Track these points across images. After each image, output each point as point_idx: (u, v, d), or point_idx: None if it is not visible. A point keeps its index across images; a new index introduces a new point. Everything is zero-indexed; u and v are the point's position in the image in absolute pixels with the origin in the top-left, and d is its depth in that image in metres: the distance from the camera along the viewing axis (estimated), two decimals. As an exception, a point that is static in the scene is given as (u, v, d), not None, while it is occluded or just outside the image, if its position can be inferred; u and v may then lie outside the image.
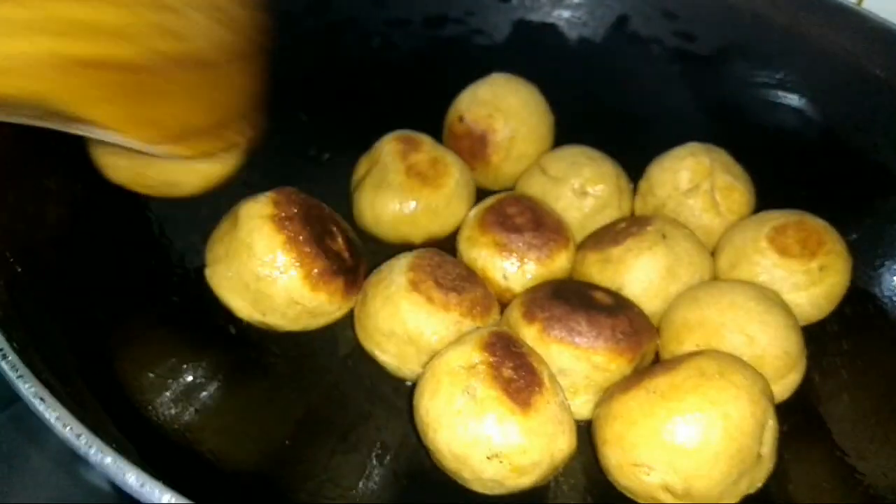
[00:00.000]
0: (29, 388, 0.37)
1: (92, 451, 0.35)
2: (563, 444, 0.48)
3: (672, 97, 0.77)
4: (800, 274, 0.58)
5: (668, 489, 0.46)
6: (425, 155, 0.65)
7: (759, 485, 0.49)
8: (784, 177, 0.67)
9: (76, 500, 0.56)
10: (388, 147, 0.65)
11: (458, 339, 0.51)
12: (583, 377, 0.53)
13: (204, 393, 0.53)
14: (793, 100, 0.72)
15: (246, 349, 0.57)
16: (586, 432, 0.52)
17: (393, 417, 0.55)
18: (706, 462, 0.45)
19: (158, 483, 0.34)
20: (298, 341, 0.58)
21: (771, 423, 0.48)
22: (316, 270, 0.54)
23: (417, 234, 0.64)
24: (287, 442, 0.52)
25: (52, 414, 0.36)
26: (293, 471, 0.51)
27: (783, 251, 0.58)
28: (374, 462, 0.53)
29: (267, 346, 0.57)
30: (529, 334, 0.53)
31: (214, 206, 0.58)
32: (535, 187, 0.66)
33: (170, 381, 0.52)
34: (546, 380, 0.49)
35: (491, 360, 0.48)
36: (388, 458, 0.53)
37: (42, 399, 0.37)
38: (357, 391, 0.57)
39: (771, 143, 0.69)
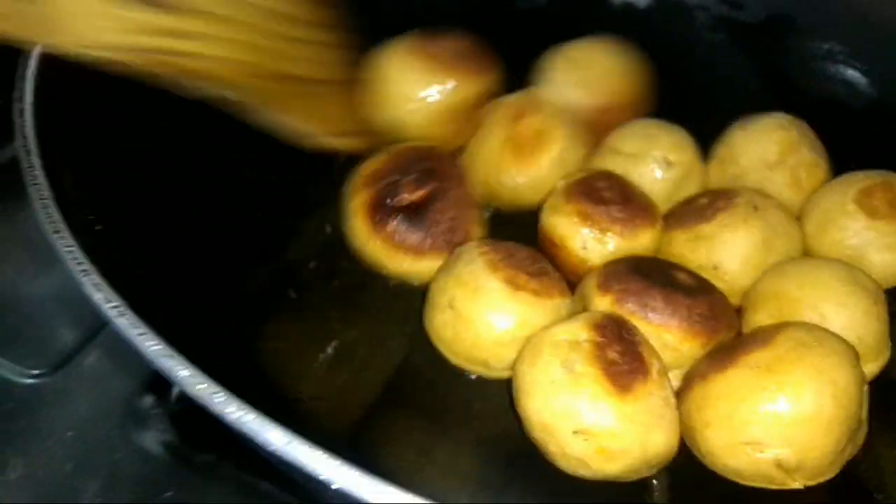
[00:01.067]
0: (152, 347, 0.36)
1: (231, 409, 0.34)
2: (659, 438, 0.46)
3: (717, 67, 0.76)
4: (891, 234, 0.56)
5: (780, 465, 0.45)
6: (536, 122, 0.64)
7: (856, 452, 0.48)
8: (835, 149, 0.65)
9: (128, 464, 0.56)
10: (507, 105, 0.66)
11: (571, 317, 0.50)
12: None
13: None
14: (843, 70, 0.70)
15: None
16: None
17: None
18: (820, 431, 0.44)
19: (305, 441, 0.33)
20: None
21: (866, 388, 0.47)
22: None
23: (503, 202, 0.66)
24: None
25: (182, 371, 0.35)
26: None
27: (872, 213, 0.57)
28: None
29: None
30: (602, 305, 0.52)
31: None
32: (612, 168, 0.63)
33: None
34: (654, 371, 0.47)
35: (598, 339, 0.47)
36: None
37: (170, 356, 0.36)
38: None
39: (820, 114, 0.67)
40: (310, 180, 0.63)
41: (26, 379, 0.60)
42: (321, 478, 0.31)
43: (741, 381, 0.45)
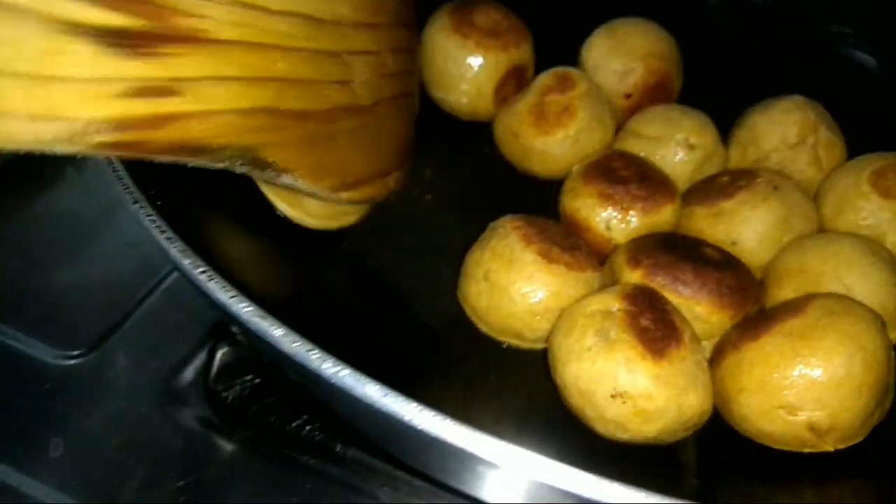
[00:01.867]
0: (246, 309, 0.37)
1: (327, 365, 0.35)
2: (693, 399, 0.48)
3: (730, 49, 0.78)
4: (907, 215, 0.58)
5: (813, 428, 0.47)
6: (564, 99, 0.67)
7: (884, 416, 0.50)
8: (848, 132, 0.67)
9: (169, 442, 0.57)
10: (542, 78, 0.69)
11: (603, 289, 0.52)
12: None
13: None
14: (853, 53, 0.73)
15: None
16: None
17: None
18: (851, 394, 0.46)
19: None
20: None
21: (892, 354, 0.49)
22: None
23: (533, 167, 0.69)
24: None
25: (278, 331, 0.36)
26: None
27: (886, 193, 0.59)
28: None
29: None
30: (632, 279, 0.54)
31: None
32: (634, 151, 0.66)
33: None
34: (686, 338, 0.49)
35: (630, 309, 0.49)
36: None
37: (262, 317, 0.37)
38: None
39: (833, 96, 0.69)
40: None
41: (63, 360, 0.61)
42: (421, 428, 0.33)
43: (774, 348, 0.47)
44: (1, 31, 0.28)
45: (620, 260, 0.56)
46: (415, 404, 0.33)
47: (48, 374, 0.60)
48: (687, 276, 0.53)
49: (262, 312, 0.37)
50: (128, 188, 0.43)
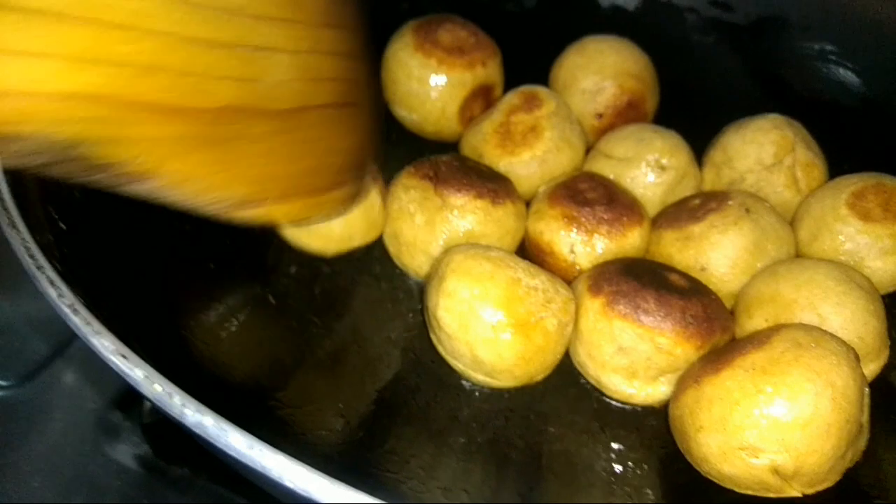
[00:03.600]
0: (107, 346, 0.35)
1: (188, 411, 0.32)
2: None
3: (708, 69, 0.76)
4: (886, 238, 0.56)
5: (777, 471, 0.44)
6: (530, 118, 0.65)
7: (857, 459, 0.47)
8: (828, 150, 0.65)
9: (100, 478, 0.55)
10: (509, 97, 0.67)
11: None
12: (644, 358, 0.51)
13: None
14: (835, 71, 0.71)
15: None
16: (661, 418, 0.51)
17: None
18: (819, 436, 0.43)
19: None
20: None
21: (866, 391, 0.46)
22: None
23: None
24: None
25: (138, 373, 0.34)
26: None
27: (865, 216, 0.56)
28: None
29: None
30: (593, 307, 0.52)
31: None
32: (603, 173, 0.63)
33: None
34: None
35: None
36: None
37: (124, 356, 0.34)
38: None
39: (814, 115, 0.67)
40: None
41: (-6, 390, 0.59)
42: (286, 483, 0.30)
43: (735, 383, 0.45)
44: None
45: (582, 287, 0.54)
46: (282, 457, 0.30)
47: (-22, 403, 0.58)
48: (649, 304, 0.50)
49: (125, 350, 0.34)
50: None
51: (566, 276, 0.58)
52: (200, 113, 0.35)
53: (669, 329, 0.50)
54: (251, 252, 0.59)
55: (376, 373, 0.54)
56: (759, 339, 0.47)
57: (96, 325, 0.36)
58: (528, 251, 0.61)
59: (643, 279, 0.52)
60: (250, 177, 0.39)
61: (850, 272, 0.53)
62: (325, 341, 0.55)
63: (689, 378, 0.48)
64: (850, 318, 0.50)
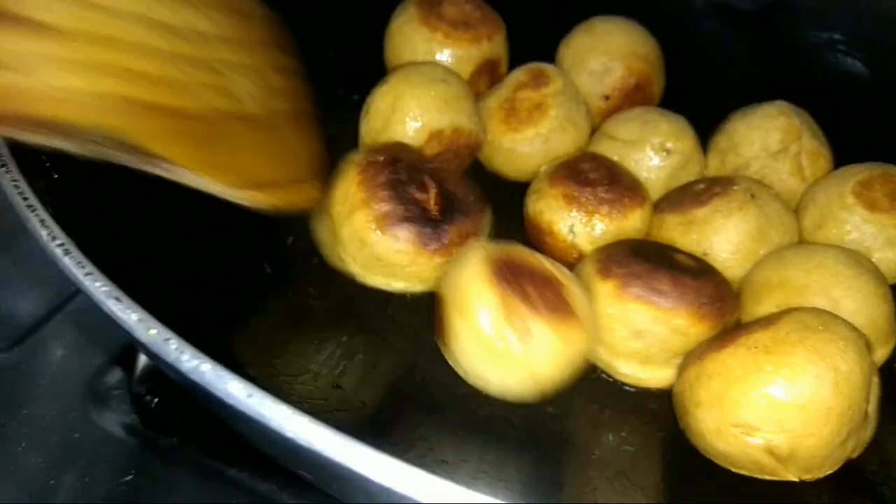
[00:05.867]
0: (100, 287, 0.35)
1: (185, 356, 0.32)
2: None
3: (714, 56, 0.76)
4: (892, 228, 0.57)
5: (771, 452, 0.45)
6: (536, 96, 0.65)
7: (861, 450, 0.48)
8: (834, 139, 0.66)
9: (87, 446, 0.55)
10: (516, 74, 0.68)
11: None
12: (659, 341, 0.51)
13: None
14: (842, 60, 0.72)
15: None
16: (663, 401, 0.51)
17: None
18: (816, 419, 0.43)
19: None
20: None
21: (875, 380, 0.47)
22: (383, 211, 0.53)
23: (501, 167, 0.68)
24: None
25: (133, 316, 0.34)
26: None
27: (872, 206, 0.58)
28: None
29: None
30: (603, 291, 0.52)
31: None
32: (608, 155, 0.64)
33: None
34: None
35: None
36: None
37: (118, 299, 0.34)
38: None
39: (820, 103, 0.67)
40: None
41: (-20, 353, 0.59)
42: (287, 434, 0.29)
43: (736, 360, 0.46)
44: None
45: (589, 270, 0.54)
46: (284, 407, 0.30)
47: (-36, 367, 0.58)
48: (664, 285, 0.51)
49: (118, 293, 0.34)
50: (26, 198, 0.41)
51: (565, 258, 0.58)
52: (203, 115, 0.43)
53: (685, 310, 0.50)
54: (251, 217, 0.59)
55: (374, 348, 0.54)
56: (767, 320, 0.48)
57: (89, 266, 0.36)
58: (528, 231, 0.62)
59: (653, 260, 0.53)
60: (246, 166, 0.47)
61: (858, 257, 0.54)
62: (322, 312, 0.55)
63: (693, 355, 0.49)
64: (862, 302, 0.51)
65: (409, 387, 0.52)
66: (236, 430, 0.42)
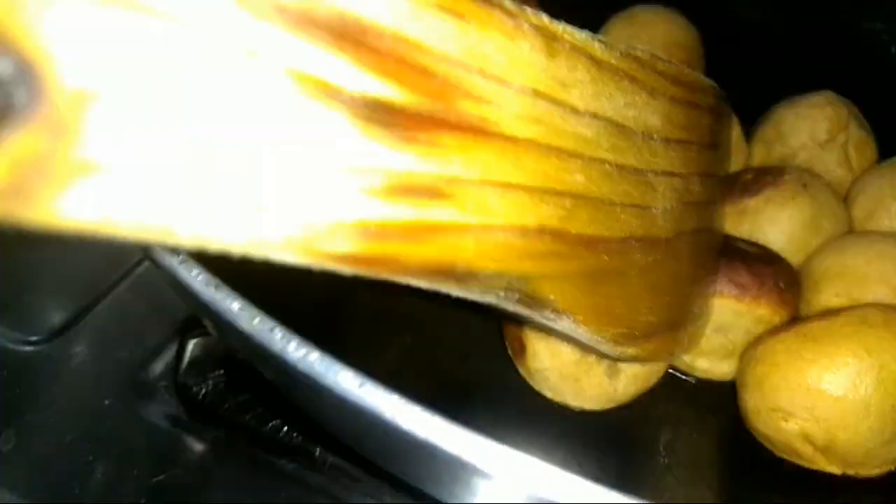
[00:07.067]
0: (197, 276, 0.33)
1: (291, 346, 0.30)
2: None
3: (755, 45, 0.75)
4: (947, 220, 0.57)
5: (807, 439, 0.46)
6: None
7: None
8: (879, 131, 0.66)
9: (132, 438, 0.55)
10: None
11: None
12: (743, 333, 0.52)
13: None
14: (886, 50, 0.70)
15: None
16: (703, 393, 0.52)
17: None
18: (853, 412, 0.44)
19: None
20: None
21: None
22: None
23: None
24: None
25: (231, 304, 0.32)
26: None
27: (923, 195, 0.58)
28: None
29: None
30: None
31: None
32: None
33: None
34: None
35: None
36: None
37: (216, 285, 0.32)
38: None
39: (863, 94, 0.67)
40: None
41: (22, 346, 0.59)
42: (401, 426, 0.28)
43: (783, 345, 0.47)
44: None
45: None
46: (396, 397, 0.28)
47: (4, 359, 0.58)
48: (743, 277, 0.51)
49: (217, 281, 0.33)
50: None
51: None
52: (613, 245, 0.33)
53: (767, 299, 0.50)
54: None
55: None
56: (832, 311, 0.48)
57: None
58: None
59: (723, 251, 0.52)
60: (631, 312, 0.37)
61: None
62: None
63: (757, 341, 0.50)
64: None
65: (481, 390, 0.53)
66: (324, 423, 0.42)
